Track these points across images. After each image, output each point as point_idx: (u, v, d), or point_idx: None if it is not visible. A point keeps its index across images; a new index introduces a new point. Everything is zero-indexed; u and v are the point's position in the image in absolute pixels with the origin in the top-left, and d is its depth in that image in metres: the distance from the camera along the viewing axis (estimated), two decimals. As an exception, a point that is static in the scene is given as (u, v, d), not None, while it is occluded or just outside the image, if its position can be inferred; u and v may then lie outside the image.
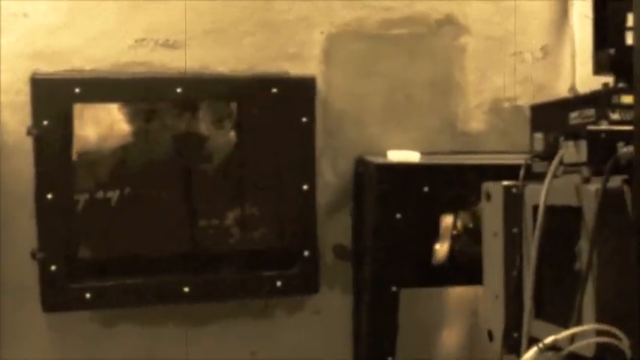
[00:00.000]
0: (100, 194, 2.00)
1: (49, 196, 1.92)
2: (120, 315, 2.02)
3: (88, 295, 1.95)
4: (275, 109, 2.06)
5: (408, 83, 2.17)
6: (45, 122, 1.91)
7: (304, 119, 2.06)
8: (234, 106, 2.10)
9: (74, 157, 1.97)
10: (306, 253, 2.06)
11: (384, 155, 2.07)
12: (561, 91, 2.20)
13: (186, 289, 2.00)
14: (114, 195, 2.01)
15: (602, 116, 1.33)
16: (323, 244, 2.11)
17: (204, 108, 2.08)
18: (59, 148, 1.93)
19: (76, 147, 1.98)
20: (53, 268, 1.92)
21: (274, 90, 2.04)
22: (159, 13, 2.03)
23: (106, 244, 2.02)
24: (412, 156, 2.05)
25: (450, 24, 2.18)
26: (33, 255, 1.92)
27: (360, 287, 2.09)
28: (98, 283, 1.97)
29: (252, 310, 2.10)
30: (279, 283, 2.05)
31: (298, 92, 2.07)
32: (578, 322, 1.23)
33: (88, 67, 1.99)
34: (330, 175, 2.13)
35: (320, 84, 2.10)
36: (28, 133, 1.92)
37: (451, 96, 2.20)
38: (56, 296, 1.94)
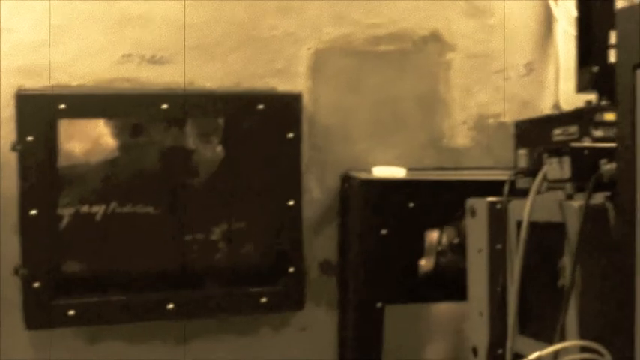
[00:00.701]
0: (84, 209, 1.99)
1: (33, 212, 1.91)
2: (104, 331, 2.01)
3: (71, 312, 1.93)
4: (261, 125, 2.06)
5: (394, 99, 2.18)
6: (30, 138, 1.90)
7: (290, 135, 2.06)
8: (220, 121, 2.10)
9: (59, 172, 1.96)
10: (291, 269, 2.06)
11: (370, 171, 2.07)
12: (545, 107, 2.21)
13: (170, 306, 1.99)
14: (99, 210, 2.00)
15: (585, 133, 1.35)
16: (309, 259, 2.11)
17: (191, 123, 2.08)
18: (43, 164, 1.92)
19: (61, 162, 1.97)
20: (37, 284, 1.90)
21: (261, 106, 2.05)
22: (145, 29, 2.03)
23: (90, 259, 2.01)
24: (398, 172, 2.06)
25: (435, 41, 2.19)
26: (16, 271, 1.91)
27: (345, 303, 2.09)
28: (82, 299, 1.95)
29: (238, 326, 2.09)
30: (264, 300, 2.04)
31: (285, 108, 2.07)
32: (562, 338, 1.24)
33: (73, 83, 1.99)
34: (317, 190, 2.13)
35: (306, 100, 2.11)
36: (13, 148, 1.91)
37: (436, 112, 2.21)
38: (40, 313, 1.92)
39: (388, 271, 1.99)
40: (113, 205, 2.00)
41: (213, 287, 2.06)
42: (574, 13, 1.55)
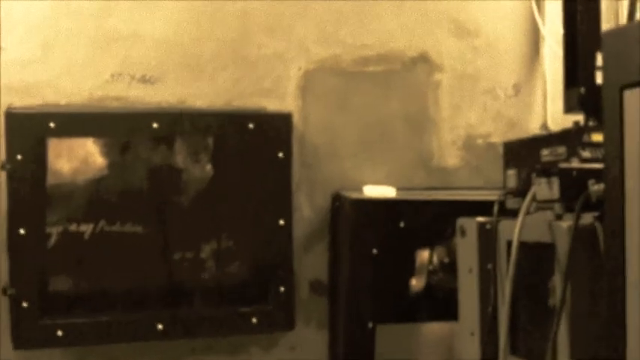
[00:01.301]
0: (73, 227, 1.97)
1: (22, 231, 1.90)
2: (92, 352, 1.99)
3: (59, 332, 1.91)
4: (252, 144, 2.07)
5: (384, 119, 2.19)
6: (19, 157, 1.90)
7: (281, 154, 2.07)
8: (210, 140, 2.11)
9: (48, 190, 1.95)
10: (282, 288, 2.05)
11: (360, 190, 2.08)
12: (533, 128, 2.23)
13: (160, 327, 1.98)
14: (87, 229, 1.99)
15: (573, 154, 1.36)
16: (299, 279, 2.10)
17: (180, 142, 2.08)
18: (32, 183, 1.92)
19: (50, 181, 1.96)
20: (25, 304, 1.89)
21: (251, 125, 2.05)
22: (135, 48, 2.04)
23: (79, 279, 1.99)
24: (388, 191, 2.07)
25: (423, 61, 2.21)
26: (4, 291, 1.89)
27: (336, 323, 2.08)
28: (70, 319, 1.94)
29: (227, 346, 2.07)
30: (254, 320, 2.03)
31: (275, 127, 2.08)
32: (553, 358, 1.24)
33: (63, 102, 1.99)
34: (307, 209, 2.13)
35: (296, 119, 2.12)
36: (2, 167, 1.90)
37: (426, 132, 2.22)
38: (27, 333, 1.90)
39: (379, 290, 1.99)
40: (102, 223, 2.00)
41: (202, 307, 2.05)
42: (561, 31, 1.57)
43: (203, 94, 2.08)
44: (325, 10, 2.15)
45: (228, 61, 2.10)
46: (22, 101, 1.96)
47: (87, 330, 1.94)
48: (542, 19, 2.23)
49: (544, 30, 2.22)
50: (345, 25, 2.16)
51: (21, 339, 1.90)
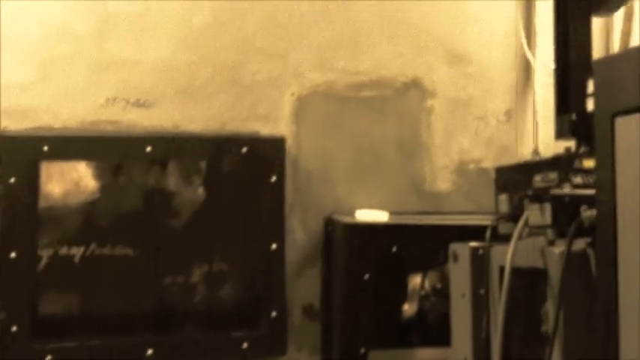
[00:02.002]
0: (63, 251, 1.97)
1: (13, 254, 1.89)
2: (82, 377, 1.97)
3: (49, 357, 1.90)
4: (245, 168, 2.07)
5: (377, 144, 2.21)
6: (12, 180, 1.90)
7: (274, 178, 2.07)
8: (203, 164, 2.11)
9: (39, 213, 1.94)
10: (273, 313, 2.04)
11: (353, 215, 2.08)
12: (525, 153, 2.25)
13: (150, 352, 1.96)
14: (78, 252, 1.98)
15: (565, 180, 1.37)
16: (291, 303, 2.09)
17: (173, 165, 2.08)
18: (24, 206, 1.91)
19: (42, 204, 1.95)
20: (14, 328, 1.87)
21: (244, 149, 2.06)
22: (131, 73, 2.05)
23: (69, 302, 1.98)
24: (380, 216, 2.07)
25: (416, 87, 2.23)
26: (-6, 315, 1.88)
27: (328, 348, 2.07)
28: (60, 344, 1.92)
29: (219, 371, 2.06)
30: (245, 345, 2.02)
31: (268, 152, 2.09)
32: (546, 384, 1.23)
33: (57, 125, 1.99)
34: (300, 234, 2.13)
35: (290, 144, 2.13)
36: (-6, 190, 1.90)
37: (418, 157, 2.23)
38: (17, 357, 1.88)
39: (371, 315, 1.98)
40: (92, 246, 1.99)
41: (193, 331, 2.04)
42: (552, 65, 1.59)
43: (197, 119, 2.09)
44: (319, 38, 2.17)
45: (222, 86, 2.11)
46: (18, 125, 1.96)
47: (77, 354, 1.92)
48: (533, 48, 2.25)
49: (534, 61, 2.25)
50: (339, 51, 2.19)
51: (10, 363, 1.88)
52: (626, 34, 2.17)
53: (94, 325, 1.97)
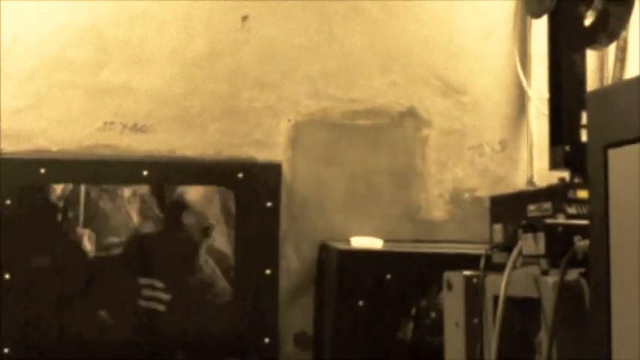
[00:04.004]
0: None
1: (7, 276, 1.89)
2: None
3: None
4: (240, 193, 2.08)
5: (371, 172, 2.22)
6: (8, 202, 1.90)
7: (269, 204, 2.08)
8: (200, 189, 2.11)
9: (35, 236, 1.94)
10: (266, 340, 2.03)
11: (348, 241, 2.08)
12: (519, 183, 2.26)
13: (142, 378, 1.95)
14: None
15: (559, 210, 1.37)
16: (284, 331, 2.09)
17: (169, 190, 2.08)
18: (20, 228, 1.91)
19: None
20: (6, 350, 1.87)
21: (240, 174, 2.07)
22: (128, 98, 2.06)
23: (62, 326, 1.97)
24: (375, 243, 2.07)
25: (411, 116, 2.25)
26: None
27: (321, 376, 2.06)
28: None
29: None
30: (238, 372, 2.01)
31: (264, 177, 2.09)
32: (539, 415, 1.23)
33: (54, 149, 2.00)
34: (294, 260, 2.13)
35: (285, 170, 2.13)
36: (-10, 212, 1.90)
37: (413, 185, 2.24)
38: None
39: (364, 343, 1.98)
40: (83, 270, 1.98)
41: (185, 358, 2.02)
42: (546, 95, 1.61)
43: (193, 144, 2.10)
44: (314, 68, 2.19)
45: (218, 112, 2.13)
46: (13, 147, 1.97)
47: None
48: (528, 78, 2.28)
49: (530, 90, 2.27)
50: (334, 81, 2.21)
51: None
52: (623, 65, 2.20)
53: (83, 352, 1.95)
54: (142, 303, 2.01)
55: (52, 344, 1.95)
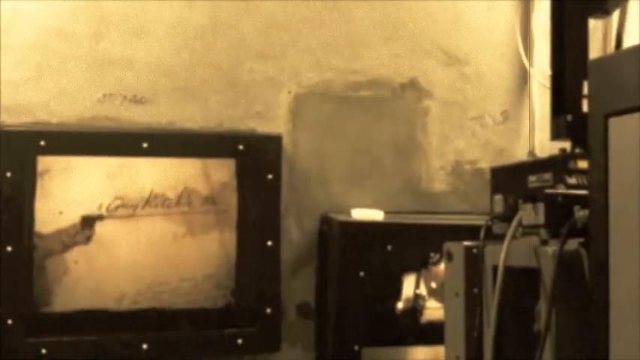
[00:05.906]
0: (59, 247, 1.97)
1: (9, 248, 1.89)
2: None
3: (44, 351, 1.90)
4: (241, 166, 2.07)
5: (373, 144, 2.21)
6: (8, 174, 1.90)
7: (270, 176, 2.08)
8: (200, 161, 2.11)
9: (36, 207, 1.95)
10: (268, 310, 2.05)
11: (349, 213, 2.09)
12: (520, 154, 2.26)
13: (145, 346, 1.97)
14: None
15: (559, 180, 1.37)
16: (286, 301, 2.10)
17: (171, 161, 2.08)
18: (22, 200, 1.91)
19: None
20: (10, 322, 1.88)
21: (241, 146, 2.07)
22: (128, 70, 2.05)
23: (65, 298, 1.98)
24: (376, 215, 2.08)
25: (413, 88, 2.24)
26: (-11, 309, 1.88)
27: (322, 346, 2.08)
28: (55, 338, 1.92)
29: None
30: (240, 341, 2.02)
31: (265, 149, 2.09)
32: (538, 383, 1.24)
33: (54, 121, 2.00)
34: (295, 232, 2.14)
35: (286, 142, 2.13)
36: (-9, 184, 1.90)
37: (414, 157, 2.24)
38: (12, 351, 1.89)
39: (365, 313, 1.99)
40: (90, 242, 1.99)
41: (188, 328, 2.04)
42: (548, 66, 1.59)
43: (194, 117, 2.10)
44: (316, 39, 2.18)
45: (219, 84, 2.12)
46: (13, 119, 1.96)
47: (72, 349, 1.93)
48: (530, 50, 2.26)
49: (527, 63, 2.25)
50: (336, 52, 2.19)
51: (5, 357, 1.88)
52: (622, 34, 2.18)
53: (90, 320, 1.97)
54: (145, 272, 2.02)
55: (53, 315, 1.96)
